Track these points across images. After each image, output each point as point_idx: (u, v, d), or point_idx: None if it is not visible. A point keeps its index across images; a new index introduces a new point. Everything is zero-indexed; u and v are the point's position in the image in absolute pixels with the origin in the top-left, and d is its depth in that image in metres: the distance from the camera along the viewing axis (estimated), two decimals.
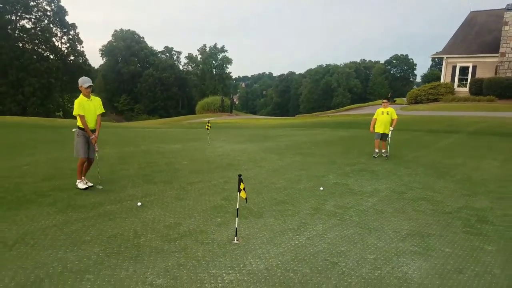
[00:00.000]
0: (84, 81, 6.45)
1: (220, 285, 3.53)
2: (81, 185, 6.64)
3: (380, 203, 6.27)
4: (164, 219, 5.24)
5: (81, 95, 6.51)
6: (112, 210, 5.56)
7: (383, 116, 10.43)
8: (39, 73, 52.67)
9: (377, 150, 10.60)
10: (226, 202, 6.04)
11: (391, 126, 10.34)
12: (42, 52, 57.45)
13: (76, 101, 6.46)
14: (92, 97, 6.63)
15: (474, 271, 3.91)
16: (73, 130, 6.71)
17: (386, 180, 7.89)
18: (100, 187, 6.73)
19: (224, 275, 3.72)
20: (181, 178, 7.70)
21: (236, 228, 4.65)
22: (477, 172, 8.75)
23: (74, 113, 6.47)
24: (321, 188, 7.00)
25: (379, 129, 10.48)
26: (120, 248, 4.25)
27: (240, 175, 4.49)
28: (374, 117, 10.62)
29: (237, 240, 4.55)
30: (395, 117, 10.39)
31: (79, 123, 6.55)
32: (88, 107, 6.51)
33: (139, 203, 5.84)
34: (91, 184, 6.73)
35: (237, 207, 4.68)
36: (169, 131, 21.32)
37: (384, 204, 6.22)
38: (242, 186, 4.48)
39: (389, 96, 45.63)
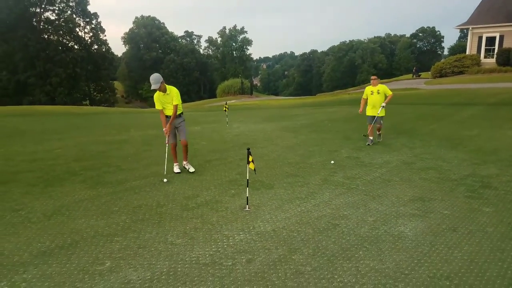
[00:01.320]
0: (151, 82, 6.58)
1: (231, 243, 3.98)
2: (175, 168, 6.96)
3: (387, 173, 6.53)
4: (184, 192, 5.73)
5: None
6: (137, 185, 6.09)
7: (374, 96, 8.90)
8: (65, 63, 54.25)
9: (371, 138, 9.01)
10: (240, 176, 6.46)
11: (383, 104, 8.83)
12: (67, 42, 58.96)
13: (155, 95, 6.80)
14: (169, 88, 6.77)
15: (468, 229, 4.18)
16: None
17: (397, 152, 8.10)
18: (165, 180, 6.45)
19: (235, 235, 4.16)
20: (199, 157, 8.17)
21: (247, 197, 5.06)
22: (490, 142, 8.80)
23: (156, 107, 6.82)
24: (332, 162, 7.30)
25: (370, 111, 8.99)
26: (144, 216, 4.77)
27: (248, 149, 4.88)
28: (363, 97, 9.16)
29: (248, 208, 4.97)
30: (389, 93, 8.85)
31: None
32: (165, 100, 6.73)
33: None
34: (178, 171, 6.89)
35: (247, 178, 5.11)
36: (190, 114, 21.90)
37: (391, 174, 6.48)
38: (250, 159, 4.89)
39: (414, 70, 44.61)
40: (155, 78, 6.52)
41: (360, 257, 3.62)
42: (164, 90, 6.64)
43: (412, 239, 3.96)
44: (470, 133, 9.96)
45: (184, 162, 7.10)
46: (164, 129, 6.81)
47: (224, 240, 4.05)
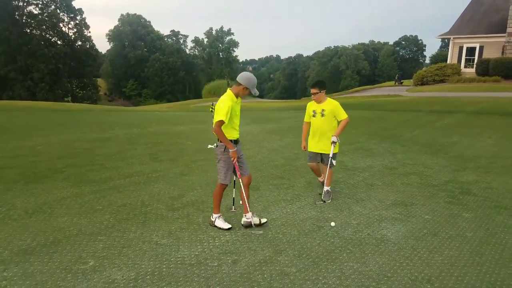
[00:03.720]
0: (253, 84, 4.27)
1: (217, 244, 3.99)
2: (220, 223, 4.45)
3: (371, 177, 6.65)
4: (169, 192, 5.70)
5: (230, 93, 4.27)
6: (121, 184, 6.03)
7: (317, 119, 5.52)
8: (47, 58, 53.10)
9: (320, 179, 5.97)
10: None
11: (334, 135, 5.48)
12: (50, 37, 57.75)
13: (226, 101, 4.17)
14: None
15: (448, 234, 4.30)
16: (209, 146, 4.71)
17: (380, 157, 8.25)
18: (233, 209, 5.06)
19: (221, 236, 4.18)
20: (185, 157, 8.15)
21: (234, 198, 5.08)
22: (470, 149, 9.05)
23: (219, 118, 4.12)
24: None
25: (313, 145, 5.63)
26: (129, 215, 4.73)
27: None
28: (305, 119, 5.75)
29: (234, 209, 4.99)
30: (342, 117, 5.47)
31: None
32: (237, 110, 4.43)
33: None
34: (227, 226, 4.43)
35: (234, 179, 5.12)
36: (176, 114, 21.78)
37: (374, 178, 6.60)
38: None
39: (397, 77, 45.39)
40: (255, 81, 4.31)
41: (344, 259, 3.69)
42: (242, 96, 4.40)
43: (395, 243, 4.05)
44: (450, 140, 10.22)
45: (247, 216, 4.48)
46: (232, 150, 4.29)
47: (210, 241, 4.06)
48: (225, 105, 4.12)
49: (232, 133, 4.35)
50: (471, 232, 4.35)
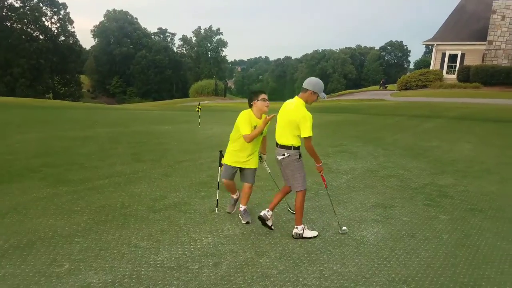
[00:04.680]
0: (320, 87, 4.15)
1: (198, 246, 3.94)
2: (309, 233, 4.25)
3: (353, 179, 6.71)
4: (151, 193, 5.60)
5: (302, 102, 4.13)
6: (101, 185, 5.89)
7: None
8: (28, 53, 51.82)
9: (234, 196, 4.96)
10: (211, 179, 6.41)
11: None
12: (31, 32, 56.42)
13: (307, 114, 4.03)
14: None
15: (425, 236, 4.38)
16: (279, 158, 4.28)
17: (363, 160, 8.33)
18: (216, 211, 4.99)
19: (203, 238, 4.13)
20: (169, 157, 8.05)
21: (217, 199, 5.04)
22: (449, 153, 9.23)
23: (308, 134, 4.00)
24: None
25: (234, 155, 4.69)
26: (107, 217, 4.61)
27: (220, 151, 4.88)
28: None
29: (217, 210, 4.95)
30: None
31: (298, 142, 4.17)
32: None
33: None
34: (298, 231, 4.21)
35: (218, 181, 5.09)
36: (161, 113, 21.55)
37: (356, 180, 6.66)
38: (223, 161, 4.88)
39: (381, 82, 45.97)
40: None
41: (324, 260, 3.70)
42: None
43: (374, 244, 4.10)
44: (430, 144, 10.40)
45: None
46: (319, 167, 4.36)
47: (191, 243, 4.01)
48: (309, 119, 3.98)
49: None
50: (447, 234, 4.43)
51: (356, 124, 14.95)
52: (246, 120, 4.36)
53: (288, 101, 4.30)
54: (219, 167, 4.92)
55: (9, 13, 54.36)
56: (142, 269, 3.43)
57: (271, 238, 4.19)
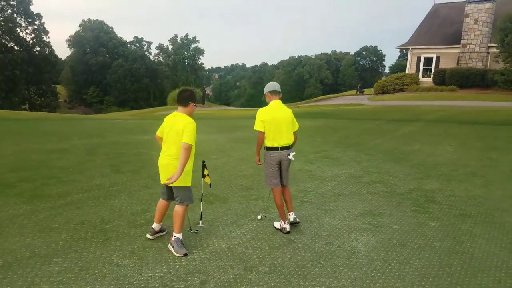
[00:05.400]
0: (267, 88, 4.87)
1: (183, 263, 3.77)
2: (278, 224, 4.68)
3: (338, 186, 6.67)
4: (131, 207, 5.40)
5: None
6: (79, 199, 5.65)
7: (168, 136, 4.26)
8: (3, 64, 50.38)
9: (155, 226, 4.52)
10: (193, 189, 6.21)
11: None
12: (6, 43, 54.94)
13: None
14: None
15: (417, 244, 4.32)
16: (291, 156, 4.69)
17: (346, 166, 8.32)
18: (201, 223, 4.84)
19: (188, 254, 3.96)
20: (149, 168, 7.81)
21: (201, 212, 4.89)
22: (431, 157, 9.34)
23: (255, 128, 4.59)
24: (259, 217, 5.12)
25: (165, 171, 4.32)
26: (87, 234, 4.40)
27: (203, 161, 4.73)
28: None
29: (202, 224, 4.79)
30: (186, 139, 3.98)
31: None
32: None
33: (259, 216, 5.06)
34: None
35: (202, 192, 4.94)
36: (139, 122, 21.15)
37: (341, 187, 6.62)
38: (206, 172, 4.74)
39: (358, 86, 46.73)
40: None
41: (316, 274, 3.59)
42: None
43: (365, 255, 4.02)
44: (412, 148, 10.52)
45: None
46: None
47: (176, 260, 3.84)
48: None
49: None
50: (439, 242, 4.40)
51: (335, 129, 15.03)
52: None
53: (273, 105, 4.66)
54: (202, 178, 4.76)
55: None
56: None
57: (259, 251, 4.07)
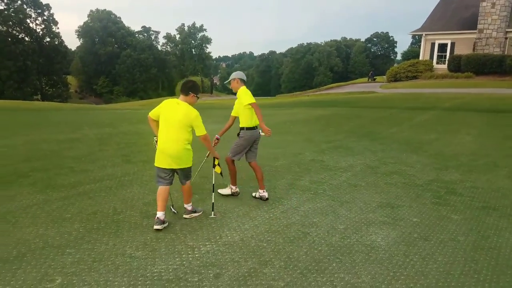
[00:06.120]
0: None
1: (196, 255, 3.69)
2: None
3: (353, 177, 6.50)
4: (143, 197, 5.34)
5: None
6: (92, 189, 5.62)
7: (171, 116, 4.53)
8: (15, 55, 51.06)
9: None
10: (204, 180, 6.14)
11: None
12: (17, 34, 55.58)
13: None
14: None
15: (439, 238, 4.14)
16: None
17: (360, 156, 8.13)
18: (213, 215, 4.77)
19: (201, 246, 3.87)
20: None
21: (213, 203, 4.79)
22: (450, 146, 9.09)
23: (251, 100, 4.99)
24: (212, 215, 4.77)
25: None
26: (100, 224, 4.36)
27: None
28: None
29: (214, 215, 4.70)
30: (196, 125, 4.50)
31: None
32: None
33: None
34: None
35: (213, 183, 4.85)
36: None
37: (357, 178, 6.45)
38: (216, 162, 4.64)
39: (370, 74, 46.00)
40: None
41: (334, 270, 3.46)
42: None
43: (385, 249, 3.86)
44: (428, 137, 10.26)
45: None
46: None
47: (189, 252, 3.75)
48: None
49: None
50: (463, 236, 4.21)
51: (348, 118, 14.78)
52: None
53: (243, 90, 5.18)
54: (213, 168, 4.74)
55: None
56: (139, 282, 3.18)
57: (273, 244, 3.94)
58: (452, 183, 6.20)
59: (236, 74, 5.23)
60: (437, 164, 7.42)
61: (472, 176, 6.65)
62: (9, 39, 52.70)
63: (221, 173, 4.86)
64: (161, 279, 3.25)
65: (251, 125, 5.12)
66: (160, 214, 4.28)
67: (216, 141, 5.31)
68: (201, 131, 4.29)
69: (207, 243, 3.94)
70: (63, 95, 59.62)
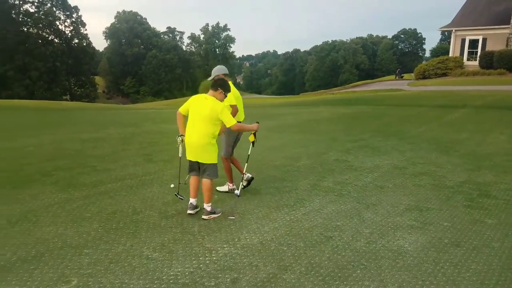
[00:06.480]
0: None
1: (214, 258, 3.57)
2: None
3: (380, 178, 6.23)
4: (163, 197, 5.29)
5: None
6: (113, 189, 5.63)
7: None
8: (45, 57, 52.98)
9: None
10: (225, 180, 6.03)
11: None
12: (47, 36, 57.72)
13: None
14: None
15: (472, 244, 3.87)
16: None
17: (387, 156, 7.83)
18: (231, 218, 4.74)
19: (219, 248, 3.76)
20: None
21: (233, 204, 4.68)
22: (482, 146, 8.64)
23: (232, 102, 5.13)
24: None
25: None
26: (118, 224, 4.33)
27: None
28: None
29: (233, 216, 4.58)
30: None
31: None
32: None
33: (172, 185, 5.33)
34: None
35: (235, 188, 4.74)
36: (172, 112, 21.33)
37: (384, 179, 6.17)
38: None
39: (397, 71, 44.90)
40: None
41: (358, 277, 3.25)
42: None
43: (414, 256, 3.62)
44: (459, 136, 9.81)
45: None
46: None
47: (206, 255, 3.64)
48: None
49: None
50: (498, 242, 3.91)
51: (374, 117, 14.39)
52: None
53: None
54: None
55: (25, 19, 55.58)
56: (155, 285, 3.09)
57: (294, 249, 3.77)
58: (486, 185, 5.85)
59: (219, 70, 5.30)
60: (468, 165, 7.04)
61: (507, 177, 6.25)
62: (40, 41, 54.71)
63: (253, 143, 5.13)
64: (177, 282, 3.15)
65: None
66: (192, 200, 4.66)
67: None
68: (230, 122, 4.40)
69: (225, 246, 3.82)
70: (91, 95, 61.37)
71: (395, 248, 3.78)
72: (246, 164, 5.19)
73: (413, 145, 8.90)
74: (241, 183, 5.38)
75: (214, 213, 4.61)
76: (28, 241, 3.85)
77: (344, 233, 4.13)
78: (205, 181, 4.53)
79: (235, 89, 5.29)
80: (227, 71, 5.39)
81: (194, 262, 3.49)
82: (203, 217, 4.54)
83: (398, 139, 9.57)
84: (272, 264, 3.47)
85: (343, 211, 4.78)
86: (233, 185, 5.53)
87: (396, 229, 4.25)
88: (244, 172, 5.33)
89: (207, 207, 4.56)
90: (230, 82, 5.11)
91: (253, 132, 4.98)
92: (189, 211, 4.63)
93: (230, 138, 5.38)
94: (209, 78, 5.45)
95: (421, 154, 7.97)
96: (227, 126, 4.44)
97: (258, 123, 5.01)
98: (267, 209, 4.84)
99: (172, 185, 5.41)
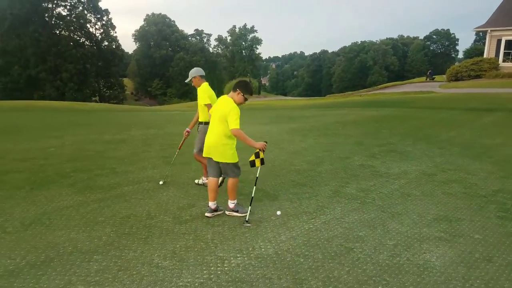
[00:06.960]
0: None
1: (226, 268, 3.38)
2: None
3: (407, 185, 5.88)
4: (178, 201, 5.17)
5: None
6: (129, 191, 5.56)
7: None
8: (75, 59, 54.75)
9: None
10: (243, 184, 5.84)
11: None
12: (78, 38, 59.62)
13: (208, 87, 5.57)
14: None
15: (506, 260, 3.52)
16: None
17: (416, 161, 7.43)
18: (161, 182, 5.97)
19: (232, 258, 3.57)
20: None
21: (249, 209, 4.50)
22: None
23: (206, 102, 5.42)
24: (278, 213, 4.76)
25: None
26: (131, 229, 4.22)
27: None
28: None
29: (248, 223, 4.38)
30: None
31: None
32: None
33: (161, 182, 5.91)
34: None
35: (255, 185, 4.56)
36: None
37: (411, 186, 5.82)
38: (261, 155, 4.53)
39: (428, 73, 43.60)
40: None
41: None
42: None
43: (441, 271, 3.32)
44: (493, 141, 9.24)
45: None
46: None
47: (218, 264, 3.45)
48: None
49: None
50: None
51: (403, 120, 13.86)
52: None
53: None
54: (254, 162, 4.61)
55: (58, 22, 57.63)
56: None
57: (311, 261, 3.53)
58: None
59: (196, 72, 5.55)
60: (503, 172, 6.57)
61: None
62: (71, 43, 56.63)
63: (262, 161, 4.60)
64: None
65: (208, 120, 5.23)
66: (210, 204, 4.65)
67: (186, 134, 5.95)
68: (232, 124, 4.34)
69: (238, 255, 3.63)
70: (119, 96, 62.91)
71: (421, 263, 3.48)
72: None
73: (444, 150, 8.44)
74: (198, 180, 5.90)
75: (237, 211, 4.63)
76: (39, 245, 3.80)
77: (366, 245, 3.85)
78: (229, 180, 4.63)
79: (210, 89, 5.52)
80: (203, 73, 5.58)
81: (205, 272, 3.32)
82: (226, 212, 4.69)
83: (427, 144, 9.11)
84: (287, 276, 3.25)
85: (366, 221, 4.49)
86: (206, 179, 5.26)
87: (422, 241, 3.93)
88: (207, 177, 5.13)
89: (231, 203, 4.66)
90: (205, 84, 5.52)
91: (256, 150, 4.52)
92: (206, 214, 4.65)
93: (203, 136, 5.24)
94: (186, 80, 5.74)
95: (452, 160, 7.52)
96: (230, 127, 4.40)
97: (266, 142, 4.63)
98: (285, 216, 4.62)
99: (160, 182, 5.89)
